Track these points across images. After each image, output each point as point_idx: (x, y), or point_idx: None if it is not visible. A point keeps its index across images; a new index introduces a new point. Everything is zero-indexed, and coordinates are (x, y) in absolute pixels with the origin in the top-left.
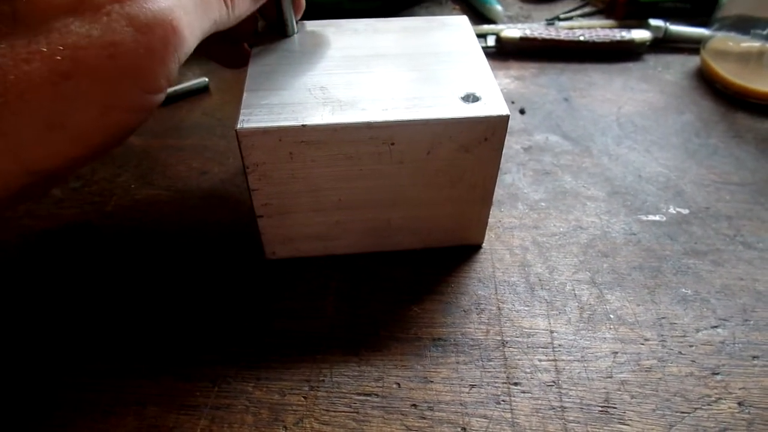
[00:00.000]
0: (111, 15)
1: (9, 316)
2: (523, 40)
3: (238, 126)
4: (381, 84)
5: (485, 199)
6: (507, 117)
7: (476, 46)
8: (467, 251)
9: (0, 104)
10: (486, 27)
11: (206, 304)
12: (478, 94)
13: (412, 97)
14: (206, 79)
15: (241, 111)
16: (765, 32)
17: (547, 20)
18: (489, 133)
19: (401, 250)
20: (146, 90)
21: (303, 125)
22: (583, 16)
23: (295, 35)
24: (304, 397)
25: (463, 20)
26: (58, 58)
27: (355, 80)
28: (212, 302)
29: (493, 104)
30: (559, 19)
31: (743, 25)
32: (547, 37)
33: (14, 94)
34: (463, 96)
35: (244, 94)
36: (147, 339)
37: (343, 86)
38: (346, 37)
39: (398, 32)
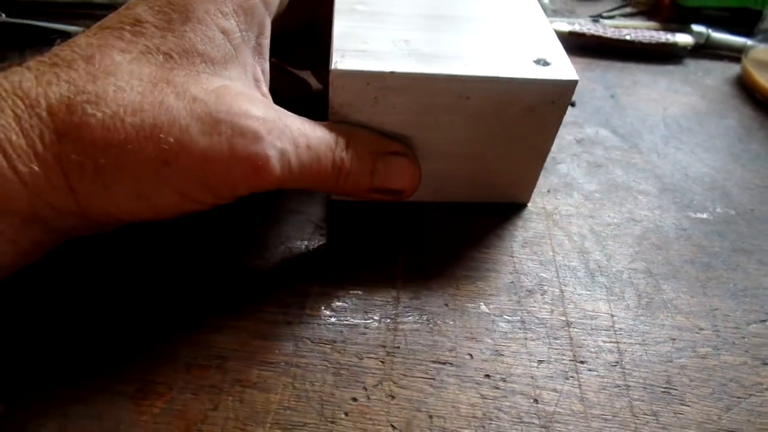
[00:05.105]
0: (222, 135)
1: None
2: (572, 34)
3: (332, 67)
4: (459, 42)
5: (540, 160)
6: (575, 82)
7: (542, 16)
8: (530, 237)
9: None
10: None
11: (275, 266)
12: (548, 60)
13: (489, 56)
14: None
15: (333, 53)
16: None
17: (591, 17)
18: (557, 96)
19: (459, 204)
20: (218, 199)
21: (392, 72)
22: (624, 15)
23: None
24: (381, 361)
25: None
26: (165, 147)
27: (435, 38)
28: (279, 264)
29: (563, 69)
30: (602, 17)
31: None
32: (596, 33)
33: (125, 160)
34: (535, 59)
35: (335, 41)
36: (217, 294)
37: (425, 42)
38: None
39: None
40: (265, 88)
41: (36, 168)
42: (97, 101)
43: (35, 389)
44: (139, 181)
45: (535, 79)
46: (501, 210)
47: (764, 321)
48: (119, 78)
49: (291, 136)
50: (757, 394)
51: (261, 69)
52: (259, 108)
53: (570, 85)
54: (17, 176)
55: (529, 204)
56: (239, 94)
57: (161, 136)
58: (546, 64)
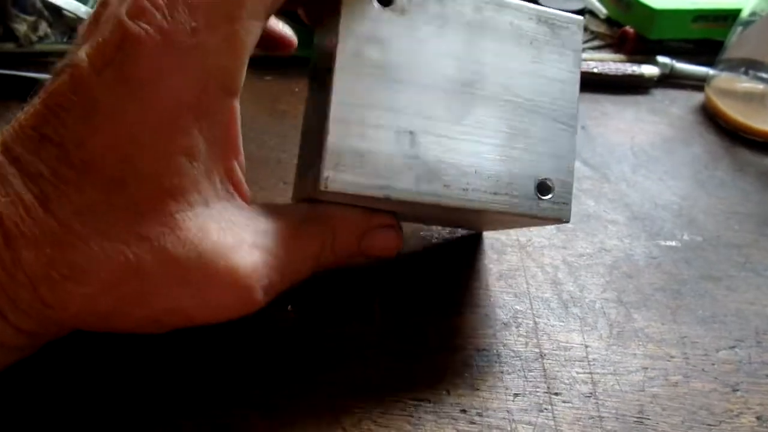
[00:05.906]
0: (209, 296)
1: None
2: None
3: (322, 186)
4: (469, 143)
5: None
6: (566, 221)
7: (574, 80)
8: (504, 270)
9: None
10: None
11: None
12: (553, 182)
13: (493, 176)
14: None
15: (326, 160)
16: (767, 76)
17: None
18: (547, 223)
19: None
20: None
21: (386, 197)
22: (593, 48)
23: (398, 5)
24: (359, 400)
25: (576, 27)
26: (150, 315)
27: (444, 131)
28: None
29: (559, 205)
30: None
31: (747, 67)
32: None
33: (111, 322)
34: (539, 182)
35: (330, 127)
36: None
37: (432, 139)
38: (450, 36)
39: (506, 36)
40: (245, 187)
41: (25, 324)
42: (73, 276)
43: None
44: (124, 328)
45: (530, 215)
46: (476, 243)
47: (733, 347)
48: (91, 242)
49: (277, 266)
50: (727, 420)
51: (237, 163)
52: (244, 250)
53: (561, 221)
54: (10, 326)
55: (503, 236)
56: (221, 234)
57: (145, 305)
58: (548, 190)
